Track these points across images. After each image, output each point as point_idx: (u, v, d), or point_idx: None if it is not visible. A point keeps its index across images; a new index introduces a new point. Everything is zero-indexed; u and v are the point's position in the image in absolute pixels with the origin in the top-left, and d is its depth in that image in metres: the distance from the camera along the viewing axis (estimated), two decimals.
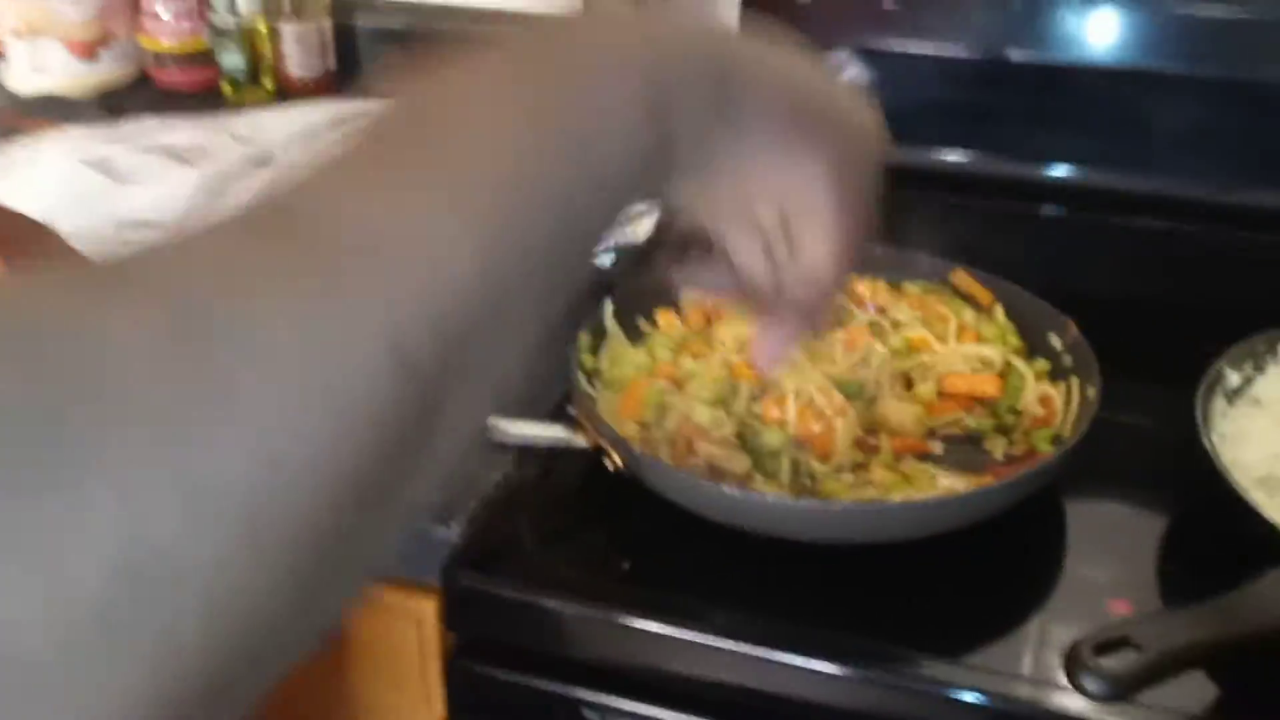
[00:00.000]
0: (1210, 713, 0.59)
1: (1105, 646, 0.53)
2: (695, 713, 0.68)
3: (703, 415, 0.73)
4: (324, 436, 0.26)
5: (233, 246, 0.27)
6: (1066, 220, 1.07)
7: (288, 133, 1.10)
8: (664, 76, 0.37)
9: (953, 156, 1.10)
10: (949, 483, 0.69)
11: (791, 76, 0.43)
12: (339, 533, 0.27)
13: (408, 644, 0.76)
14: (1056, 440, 0.73)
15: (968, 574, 0.69)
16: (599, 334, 0.83)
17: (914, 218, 1.08)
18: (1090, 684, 0.52)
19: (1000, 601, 0.69)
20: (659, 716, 0.69)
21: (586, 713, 0.70)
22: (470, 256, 0.30)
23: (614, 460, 0.71)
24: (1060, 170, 1.06)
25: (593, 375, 0.80)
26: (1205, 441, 0.69)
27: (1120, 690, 0.52)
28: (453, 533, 0.72)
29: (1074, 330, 0.79)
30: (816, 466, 0.72)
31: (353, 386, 0.26)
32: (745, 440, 0.73)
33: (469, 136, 0.33)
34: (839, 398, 0.74)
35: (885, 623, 0.66)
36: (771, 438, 0.73)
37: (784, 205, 0.44)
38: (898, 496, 0.69)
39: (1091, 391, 0.74)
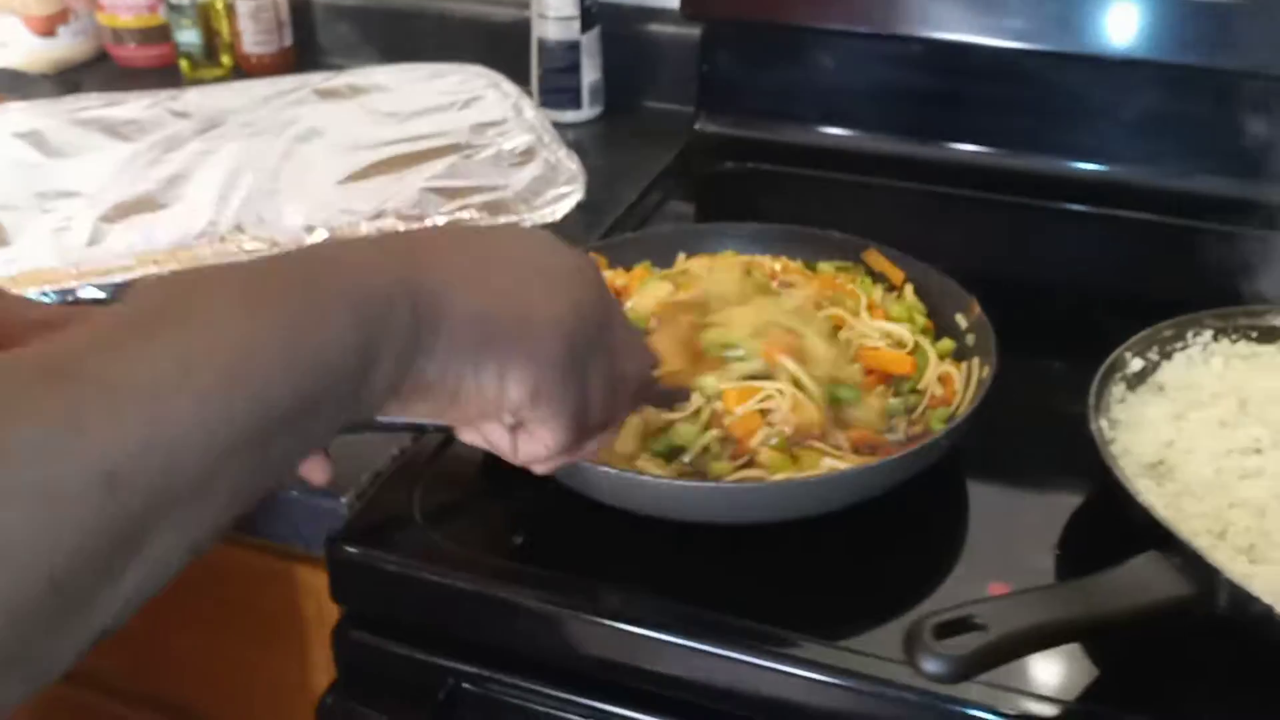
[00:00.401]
0: (1058, 693, 0.59)
1: (947, 627, 0.53)
2: (573, 690, 0.68)
3: None
4: (32, 531, 0.32)
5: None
6: (983, 202, 1.07)
7: (232, 106, 1.10)
8: (370, 311, 0.43)
9: (869, 138, 1.10)
10: (832, 463, 0.69)
11: (486, 291, 0.48)
12: (31, 619, 0.33)
13: (307, 613, 0.77)
14: (950, 420, 0.73)
15: (862, 555, 0.69)
16: None
17: (829, 198, 1.09)
18: (928, 664, 0.52)
19: (889, 583, 0.69)
20: (539, 690, 0.69)
21: (467, 686, 0.70)
22: (191, 414, 0.36)
23: None
24: (973, 150, 1.06)
25: None
26: (1093, 426, 0.68)
27: (959, 671, 0.52)
28: (342, 505, 0.72)
29: (977, 309, 0.79)
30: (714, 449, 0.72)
31: (64, 494, 0.33)
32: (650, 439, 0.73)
33: (207, 324, 0.39)
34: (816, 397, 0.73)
35: (769, 603, 0.65)
36: (684, 434, 0.72)
37: (507, 411, 0.50)
38: (779, 477, 0.68)
39: (986, 370, 0.73)
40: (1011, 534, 0.71)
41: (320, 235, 0.86)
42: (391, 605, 0.71)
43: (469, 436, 0.56)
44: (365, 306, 0.43)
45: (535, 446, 0.53)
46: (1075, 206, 1.06)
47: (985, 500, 0.75)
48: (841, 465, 0.69)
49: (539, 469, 0.57)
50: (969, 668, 0.52)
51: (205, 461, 0.37)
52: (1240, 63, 0.97)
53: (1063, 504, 0.73)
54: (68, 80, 1.34)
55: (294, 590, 0.78)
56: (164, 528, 0.36)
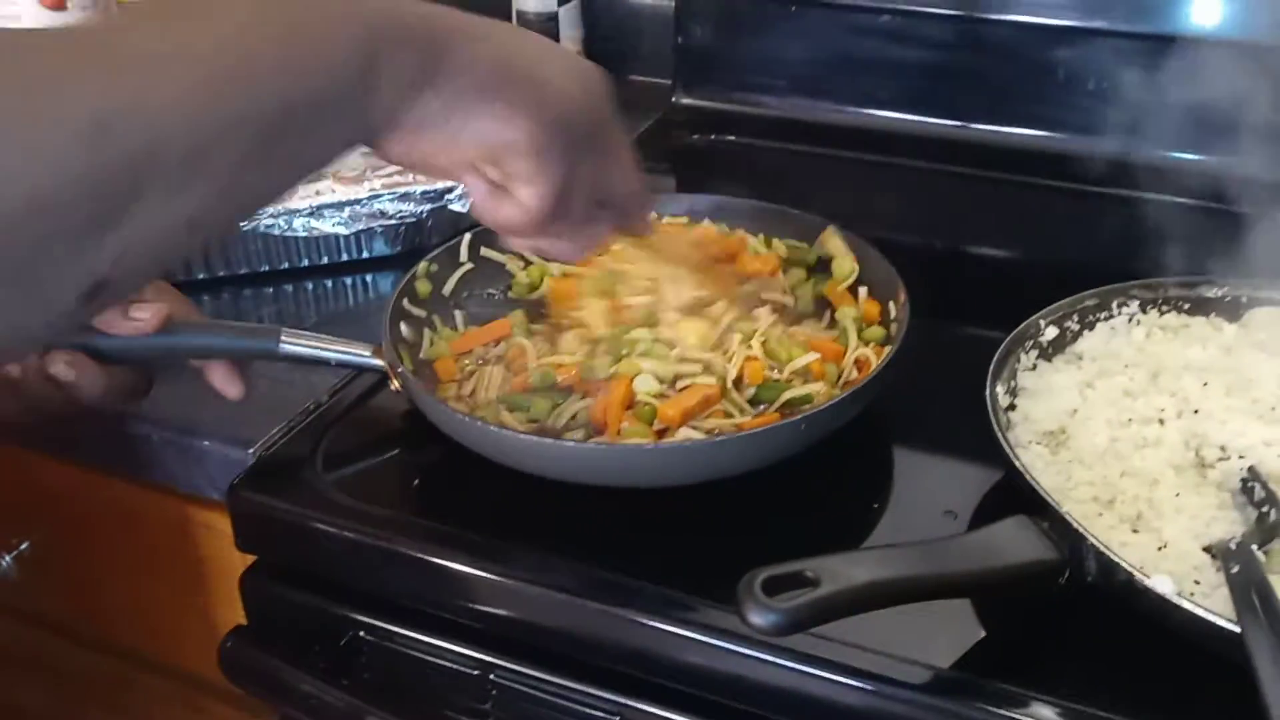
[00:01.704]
0: (928, 658, 0.59)
1: (778, 581, 0.52)
2: (469, 644, 0.69)
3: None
4: (17, 156, 0.36)
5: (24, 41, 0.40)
6: (957, 176, 1.06)
7: None
8: (380, 32, 0.46)
9: (842, 111, 1.09)
10: (688, 433, 0.69)
11: (499, 48, 0.50)
12: (36, 241, 0.37)
13: (229, 560, 0.79)
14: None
15: (774, 517, 0.69)
16: (451, 263, 0.84)
17: (799, 171, 1.08)
18: (754, 616, 0.52)
19: (796, 547, 0.68)
20: (435, 644, 0.70)
21: (365, 636, 0.71)
22: (182, 86, 0.40)
23: (394, 382, 0.73)
24: (950, 125, 1.05)
25: (429, 300, 0.82)
26: (987, 392, 0.67)
27: (785, 623, 0.51)
28: (250, 456, 0.74)
29: (903, 297, 0.77)
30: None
31: (55, 130, 0.37)
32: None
33: (210, 12, 0.43)
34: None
35: (668, 565, 0.65)
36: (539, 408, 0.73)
37: (495, 157, 0.51)
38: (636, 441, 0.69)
39: (886, 352, 0.72)
40: (928, 500, 0.71)
41: None
42: (290, 554, 0.73)
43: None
44: (378, 24, 0.45)
45: (513, 209, 0.53)
46: (1050, 182, 1.04)
47: (907, 466, 0.74)
48: (695, 435, 0.69)
49: (515, 241, 0.58)
50: (796, 621, 0.52)
51: (195, 134, 0.40)
52: (1182, 29, 0.95)
53: (983, 473, 0.72)
54: None
55: (215, 538, 0.80)
56: (156, 190, 0.39)
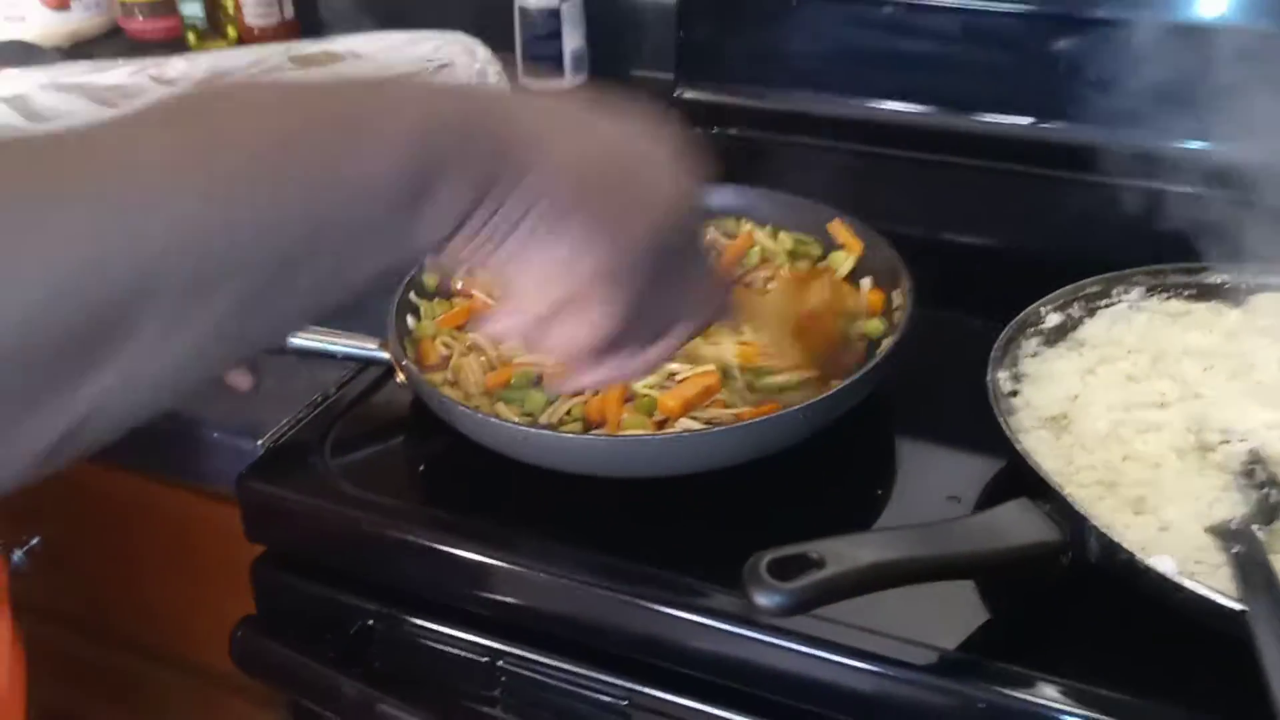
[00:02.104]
0: (934, 640, 0.59)
1: (783, 563, 0.53)
2: (480, 632, 0.69)
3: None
4: (30, 296, 0.32)
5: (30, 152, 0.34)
6: (961, 167, 1.06)
7: (215, 73, 1.13)
8: (440, 144, 0.39)
9: (845, 103, 1.09)
10: (688, 424, 0.70)
11: (580, 157, 0.43)
12: (26, 377, 0.33)
13: (240, 552, 0.79)
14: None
15: (780, 503, 0.69)
16: None
17: (803, 162, 1.08)
18: (759, 597, 0.52)
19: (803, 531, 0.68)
20: (446, 632, 0.70)
21: (374, 624, 0.72)
22: (189, 206, 0.34)
23: (400, 374, 0.73)
24: (952, 115, 1.05)
25: (435, 294, 0.82)
26: (989, 378, 0.68)
27: (790, 604, 0.52)
28: (259, 447, 0.75)
29: (907, 287, 0.78)
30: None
31: (53, 270, 0.32)
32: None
33: (241, 122, 0.36)
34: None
35: (677, 551, 0.66)
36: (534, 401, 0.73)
37: (560, 286, 0.45)
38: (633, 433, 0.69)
39: (886, 344, 0.73)
40: (932, 486, 0.71)
41: None
42: (299, 543, 0.74)
43: (493, 325, 0.49)
44: (439, 133, 0.39)
45: (572, 332, 0.46)
46: (1053, 171, 1.04)
47: (911, 453, 0.75)
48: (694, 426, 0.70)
49: (570, 382, 0.50)
50: (802, 602, 0.52)
51: (200, 263, 0.34)
52: (1183, 16, 0.95)
53: (987, 459, 0.72)
54: (81, 53, 1.39)
55: (226, 530, 0.80)
56: (148, 326, 0.34)
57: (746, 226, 0.89)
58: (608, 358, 0.49)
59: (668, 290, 0.48)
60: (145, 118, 0.36)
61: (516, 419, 0.71)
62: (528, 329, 0.47)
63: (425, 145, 0.38)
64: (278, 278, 0.36)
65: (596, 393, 0.71)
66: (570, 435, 0.69)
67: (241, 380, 0.69)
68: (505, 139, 0.41)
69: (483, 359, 0.75)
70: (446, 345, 0.77)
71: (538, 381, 0.73)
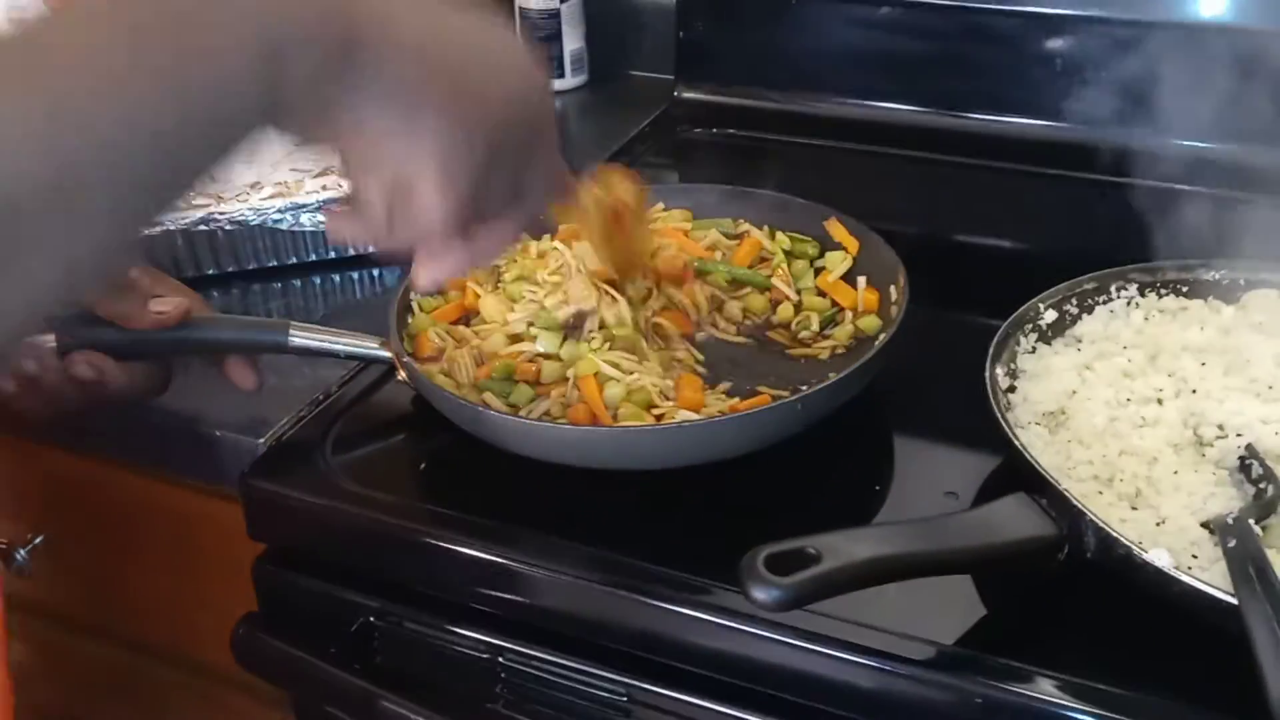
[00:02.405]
0: (933, 635, 0.60)
1: (781, 558, 0.53)
2: (481, 629, 0.70)
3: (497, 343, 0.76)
4: None
5: None
6: (957, 166, 1.06)
7: None
8: (283, 33, 0.41)
9: (844, 104, 1.10)
10: (686, 415, 0.70)
11: (426, 41, 0.46)
12: None
13: (240, 550, 0.80)
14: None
15: (778, 498, 0.70)
16: None
17: (801, 163, 1.09)
18: (757, 592, 0.53)
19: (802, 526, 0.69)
20: (448, 628, 0.71)
21: (375, 621, 0.72)
22: (37, 139, 0.36)
23: (401, 372, 0.74)
24: (949, 115, 1.05)
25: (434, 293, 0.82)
26: (986, 374, 0.68)
27: (787, 599, 0.52)
28: (261, 445, 0.75)
29: (903, 282, 0.78)
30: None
31: None
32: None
33: (74, 47, 0.38)
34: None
35: (679, 547, 0.66)
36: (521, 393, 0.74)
37: (402, 164, 0.47)
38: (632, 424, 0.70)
39: (882, 337, 0.73)
40: (930, 482, 0.71)
41: (266, 193, 0.89)
42: (301, 541, 0.74)
43: (341, 223, 0.53)
44: (275, 29, 0.41)
45: (413, 218, 0.48)
46: (1049, 170, 1.05)
47: (908, 449, 0.75)
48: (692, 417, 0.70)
49: (421, 272, 0.53)
50: (799, 596, 0.53)
51: (63, 167, 0.36)
52: (1178, 16, 0.96)
53: (984, 455, 0.72)
54: None
55: (227, 528, 0.81)
56: (24, 241, 0.36)
57: (744, 226, 0.89)
58: (457, 241, 0.51)
59: (511, 172, 0.50)
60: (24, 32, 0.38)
61: (519, 415, 0.71)
62: (374, 224, 0.49)
63: (271, 28, 0.41)
64: (146, 174, 0.39)
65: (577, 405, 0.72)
66: (571, 427, 0.70)
67: (246, 379, 0.70)
68: (355, 15, 0.43)
69: (474, 352, 0.76)
70: (440, 338, 0.78)
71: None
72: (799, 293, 0.83)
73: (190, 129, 0.40)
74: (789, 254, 0.86)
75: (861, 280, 0.83)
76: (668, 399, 0.72)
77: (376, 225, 0.50)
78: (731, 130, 1.17)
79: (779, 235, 0.88)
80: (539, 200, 0.55)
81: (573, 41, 1.24)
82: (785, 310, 0.81)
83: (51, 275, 0.38)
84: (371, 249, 0.81)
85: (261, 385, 0.70)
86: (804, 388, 0.71)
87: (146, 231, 0.43)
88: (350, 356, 0.76)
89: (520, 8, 1.22)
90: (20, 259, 0.37)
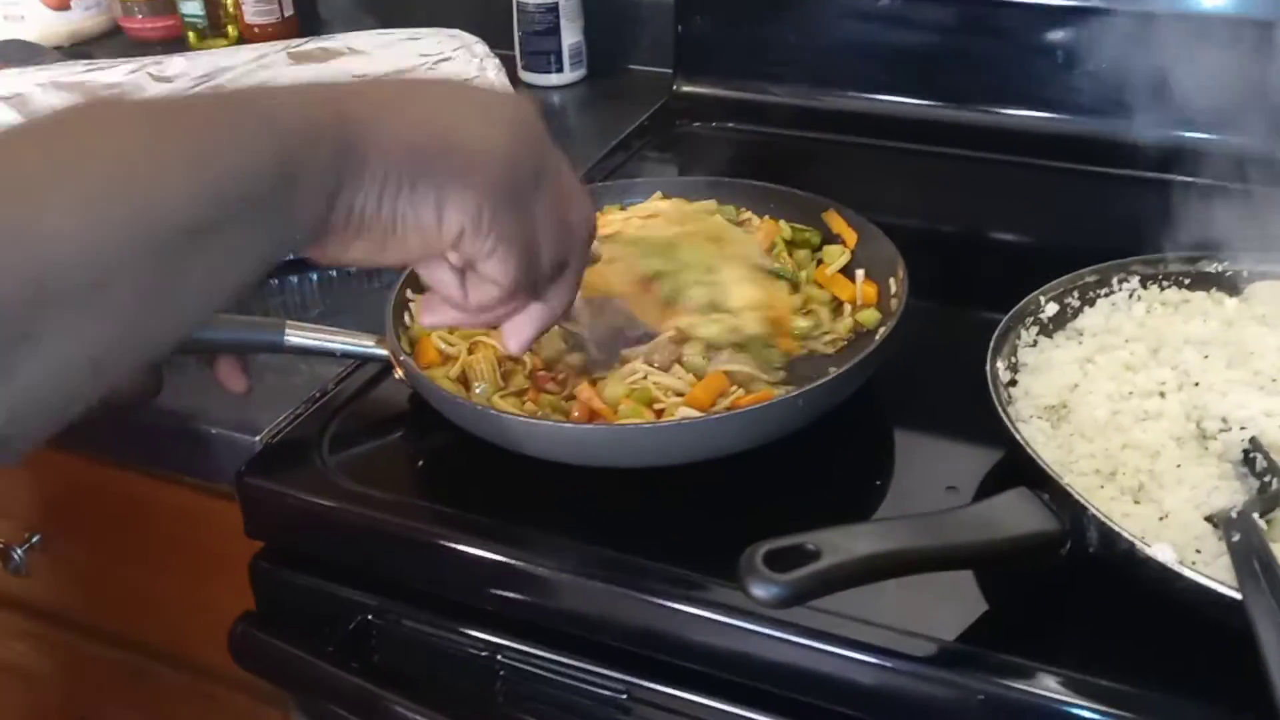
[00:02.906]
0: (935, 631, 0.59)
1: (780, 555, 0.53)
2: (470, 622, 0.69)
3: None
4: None
5: None
6: (953, 158, 1.06)
7: (213, 70, 1.13)
8: (293, 135, 0.43)
9: (843, 96, 1.09)
10: (687, 411, 0.70)
11: (414, 122, 0.47)
12: None
13: (238, 548, 0.79)
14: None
15: (779, 494, 0.69)
16: None
17: (800, 156, 1.08)
18: (756, 589, 0.52)
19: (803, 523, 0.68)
20: (446, 626, 0.70)
21: (373, 619, 0.72)
22: (72, 209, 0.36)
23: (398, 370, 0.73)
24: (948, 107, 1.05)
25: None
26: (988, 368, 0.68)
27: (787, 596, 0.52)
28: (257, 443, 0.75)
29: (902, 274, 0.78)
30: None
31: None
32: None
33: (105, 142, 0.39)
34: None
35: (679, 544, 0.66)
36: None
37: (452, 245, 0.48)
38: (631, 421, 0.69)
39: (882, 331, 0.73)
40: (931, 477, 0.71)
41: None
42: (298, 539, 0.74)
43: (430, 316, 0.55)
44: (286, 132, 0.42)
45: (487, 288, 0.50)
46: (1051, 162, 1.04)
47: (909, 444, 0.75)
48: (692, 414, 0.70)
49: (510, 340, 0.55)
50: (798, 593, 0.52)
51: (91, 262, 0.36)
52: (1181, 7, 0.95)
53: (985, 449, 0.72)
54: (80, 52, 1.39)
55: (225, 526, 0.80)
56: (54, 329, 0.36)
57: (746, 214, 0.89)
58: (529, 303, 0.53)
59: (549, 214, 0.51)
60: (20, 131, 0.39)
61: (516, 411, 0.71)
62: (457, 311, 0.52)
63: (281, 137, 0.42)
64: (165, 276, 0.39)
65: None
66: (573, 425, 0.69)
67: (237, 382, 0.69)
68: (348, 117, 0.44)
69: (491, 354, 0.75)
70: (450, 344, 0.77)
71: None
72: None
73: (214, 228, 0.40)
74: (790, 243, 0.86)
75: (860, 273, 0.82)
76: (677, 394, 0.71)
77: (460, 307, 0.52)
78: (731, 124, 1.17)
79: (781, 224, 0.87)
80: (587, 227, 0.55)
81: (571, 35, 1.23)
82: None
83: (73, 367, 0.38)
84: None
85: (252, 388, 0.69)
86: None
87: (156, 352, 0.42)
88: (346, 355, 0.75)
89: (518, 2, 1.22)
90: (48, 342, 0.36)
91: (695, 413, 0.69)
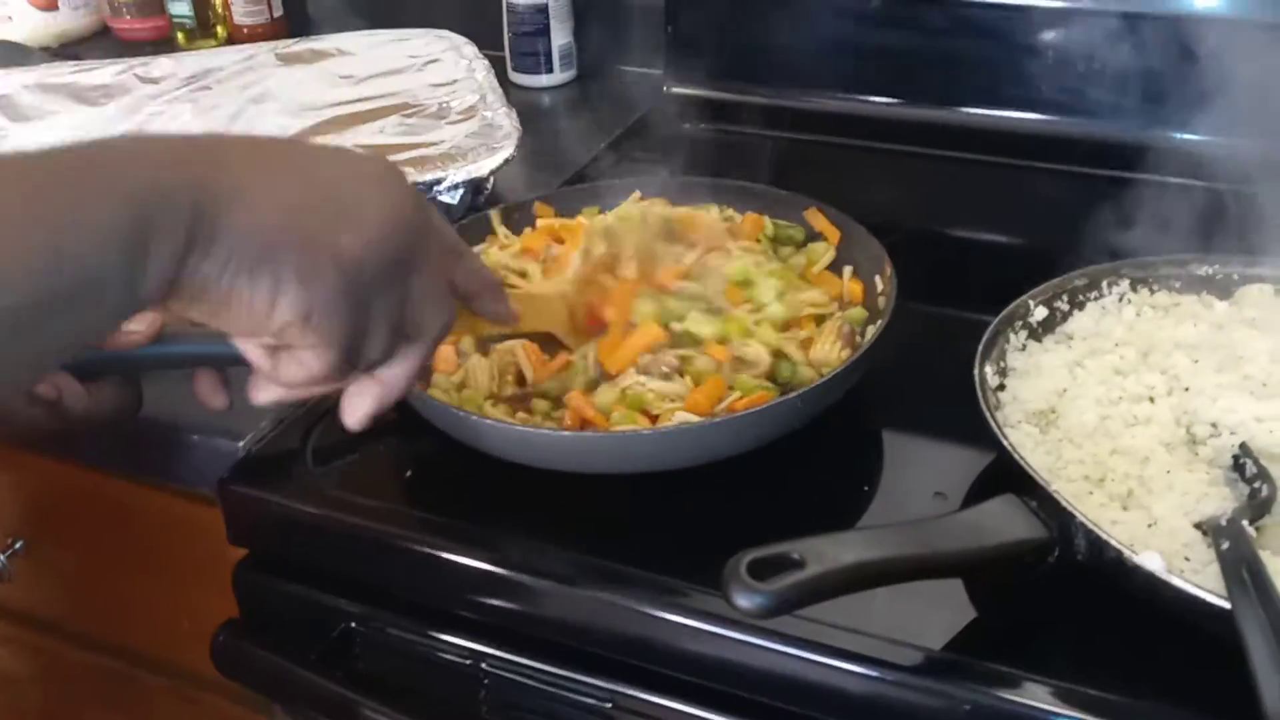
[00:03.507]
0: (922, 640, 0.59)
1: (764, 564, 0.52)
2: (463, 634, 0.69)
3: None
4: None
5: None
6: (943, 159, 1.05)
7: (200, 71, 1.13)
8: (146, 205, 0.43)
9: (833, 98, 1.08)
10: (685, 416, 0.69)
11: (276, 207, 0.47)
12: None
13: (221, 555, 0.79)
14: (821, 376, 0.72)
15: (765, 501, 0.69)
16: None
17: (790, 157, 1.08)
18: (740, 599, 0.51)
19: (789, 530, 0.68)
20: (430, 634, 0.70)
21: (357, 626, 0.71)
22: None
23: None
24: (938, 109, 1.04)
25: None
26: (975, 372, 0.67)
27: (771, 606, 0.51)
28: (240, 449, 0.74)
29: (889, 271, 0.77)
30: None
31: None
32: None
33: None
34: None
35: (664, 551, 0.65)
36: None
37: (274, 327, 0.48)
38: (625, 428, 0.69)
39: (871, 330, 0.72)
40: (918, 483, 0.70)
41: None
42: (281, 546, 0.73)
43: (260, 395, 0.55)
44: (143, 197, 0.43)
45: (295, 369, 0.51)
46: (1041, 164, 1.04)
47: (897, 449, 0.74)
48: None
49: (348, 415, 0.55)
50: (782, 603, 0.52)
51: None
52: (1166, 9, 0.95)
53: (974, 455, 0.71)
54: (69, 53, 1.38)
55: (207, 532, 0.80)
56: None
57: (729, 212, 0.89)
58: (357, 380, 0.53)
59: (394, 305, 0.50)
60: None
61: (510, 420, 0.70)
62: (278, 382, 0.52)
63: (133, 208, 0.42)
64: (9, 343, 0.40)
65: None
66: (571, 434, 0.69)
67: (217, 399, 0.68)
68: (206, 192, 0.45)
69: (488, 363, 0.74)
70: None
71: None
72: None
73: (62, 296, 0.41)
74: (774, 240, 0.85)
75: (847, 270, 0.82)
76: (670, 400, 0.71)
77: (273, 380, 0.52)
78: (722, 126, 1.16)
79: (765, 220, 0.87)
80: (438, 325, 0.54)
81: (561, 36, 1.22)
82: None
83: None
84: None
85: (233, 404, 0.68)
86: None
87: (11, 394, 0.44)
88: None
89: (508, 3, 1.21)
90: None
91: (694, 417, 0.69)
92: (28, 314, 0.40)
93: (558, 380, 0.73)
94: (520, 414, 0.72)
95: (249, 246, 0.46)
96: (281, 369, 0.52)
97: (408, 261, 0.51)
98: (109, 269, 0.42)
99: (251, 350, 0.53)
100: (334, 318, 0.48)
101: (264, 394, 0.55)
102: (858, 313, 0.78)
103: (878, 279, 0.79)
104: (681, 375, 0.72)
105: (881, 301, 0.77)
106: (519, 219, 0.89)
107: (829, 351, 0.75)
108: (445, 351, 0.76)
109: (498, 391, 0.73)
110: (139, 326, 0.63)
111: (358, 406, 0.54)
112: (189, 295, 0.46)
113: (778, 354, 0.74)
